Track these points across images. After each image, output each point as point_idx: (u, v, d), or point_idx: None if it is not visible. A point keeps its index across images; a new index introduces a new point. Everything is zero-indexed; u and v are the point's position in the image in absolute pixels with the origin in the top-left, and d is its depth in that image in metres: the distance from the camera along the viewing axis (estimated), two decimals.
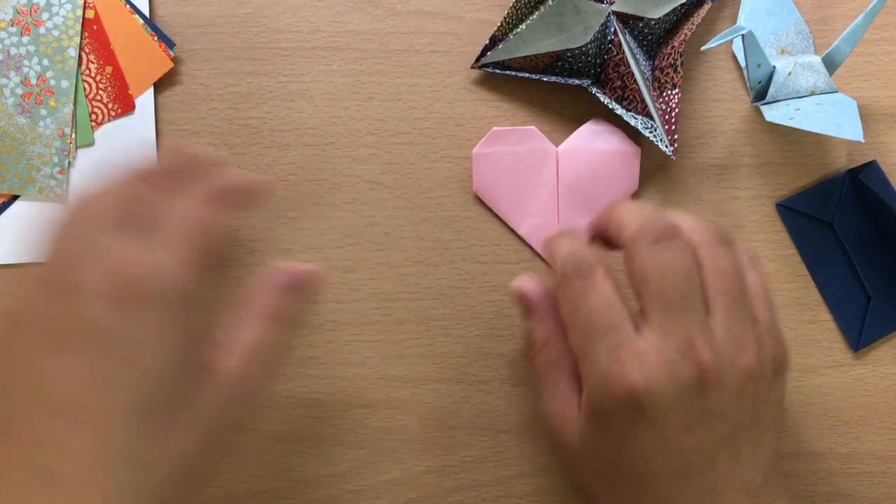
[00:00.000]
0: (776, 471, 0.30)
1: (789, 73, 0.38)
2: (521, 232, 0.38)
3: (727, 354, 0.28)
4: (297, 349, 0.37)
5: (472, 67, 0.39)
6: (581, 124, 0.39)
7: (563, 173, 0.38)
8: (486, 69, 0.38)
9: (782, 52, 0.39)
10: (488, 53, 0.38)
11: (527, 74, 0.38)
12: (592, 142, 0.38)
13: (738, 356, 0.28)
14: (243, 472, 0.37)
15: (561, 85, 0.39)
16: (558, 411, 0.32)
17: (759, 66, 0.37)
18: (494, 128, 0.38)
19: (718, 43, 0.35)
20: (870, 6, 0.37)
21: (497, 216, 0.38)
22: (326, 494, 0.37)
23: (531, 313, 0.33)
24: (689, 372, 0.27)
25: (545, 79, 0.38)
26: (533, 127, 0.38)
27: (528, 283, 0.33)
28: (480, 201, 0.38)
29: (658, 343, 0.27)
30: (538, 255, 0.38)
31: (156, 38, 0.37)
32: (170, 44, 0.37)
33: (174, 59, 0.37)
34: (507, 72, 0.38)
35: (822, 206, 0.39)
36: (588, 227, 0.34)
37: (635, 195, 0.39)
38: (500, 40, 0.38)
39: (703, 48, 0.35)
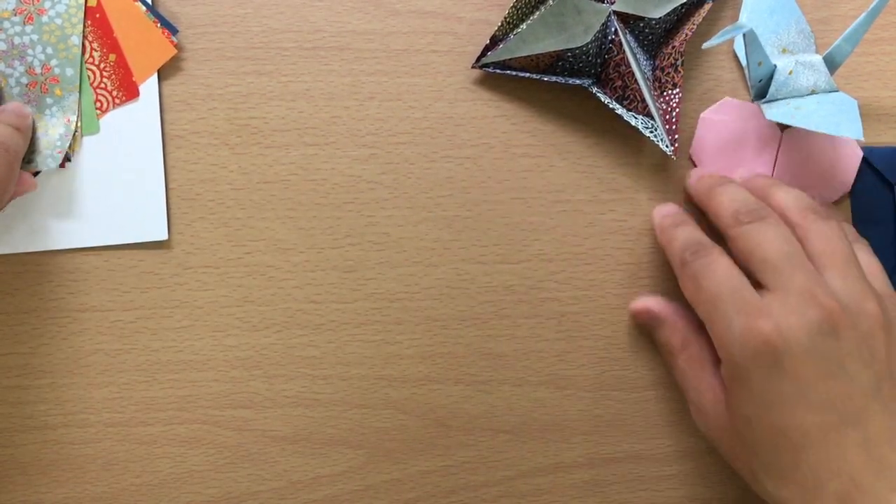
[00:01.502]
0: None
1: (790, 72, 0.38)
2: None
3: (850, 301, 0.29)
4: (297, 349, 0.37)
5: (472, 67, 0.38)
6: (581, 124, 0.39)
7: (781, 158, 0.39)
8: (486, 69, 0.38)
9: (783, 50, 0.39)
10: (488, 53, 0.38)
11: (527, 74, 0.38)
12: (817, 136, 0.39)
13: (861, 303, 0.29)
14: (243, 472, 0.37)
15: (561, 85, 0.39)
16: (708, 400, 0.33)
17: (759, 64, 0.37)
18: (727, 97, 0.39)
19: (719, 41, 0.35)
20: (871, 6, 0.36)
21: (501, 216, 0.38)
22: (326, 494, 0.37)
23: (661, 323, 0.36)
24: (817, 315, 0.29)
25: (545, 79, 0.38)
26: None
27: (646, 299, 0.37)
28: (481, 201, 0.38)
29: (781, 297, 0.29)
30: (541, 255, 0.38)
31: (158, 25, 0.37)
32: (172, 30, 0.37)
33: (177, 46, 0.37)
34: (508, 72, 0.38)
35: (892, 168, 0.39)
36: (688, 195, 0.37)
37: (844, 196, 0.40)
38: (501, 40, 0.38)
39: (704, 46, 0.35)
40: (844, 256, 0.31)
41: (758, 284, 0.31)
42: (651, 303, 0.36)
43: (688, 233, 0.34)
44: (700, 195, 0.36)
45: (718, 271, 0.31)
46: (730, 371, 0.31)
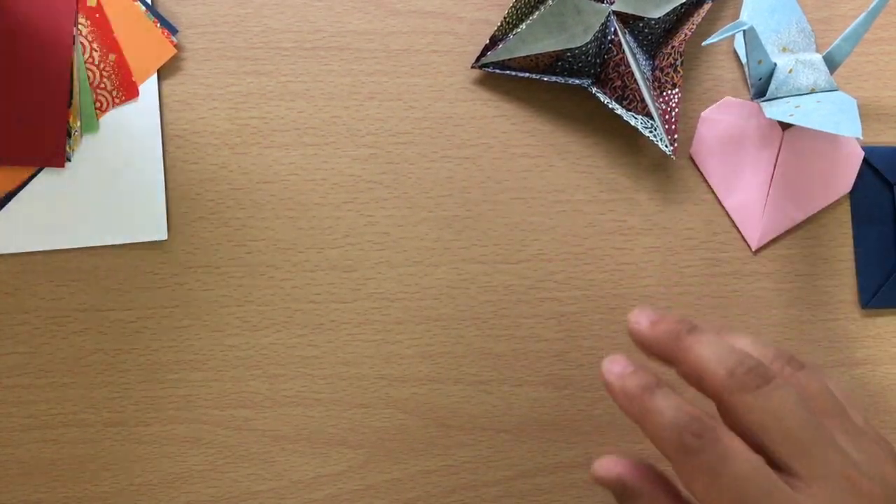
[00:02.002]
0: None
1: (790, 71, 0.38)
2: (726, 204, 0.39)
3: (877, 474, 0.26)
4: (297, 349, 0.37)
5: (472, 67, 0.39)
6: (581, 124, 0.39)
7: (782, 158, 0.39)
8: (486, 69, 0.38)
9: (784, 49, 0.39)
10: (488, 53, 0.38)
11: (527, 74, 0.38)
12: (818, 135, 0.39)
13: (883, 470, 0.26)
14: (243, 472, 0.37)
15: (561, 85, 0.39)
16: None
17: (760, 62, 0.37)
18: (728, 97, 0.39)
19: (720, 38, 0.35)
20: (871, 6, 0.36)
21: (501, 216, 0.38)
22: (326, 494, 0.37)
23: (636, 498, 0.28)
24: None
25: (545, 79, 0.38)
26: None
27: (613, 463, 0.29)
28: (481, 201, 0.38)
29: (819, 490, 0.25)
30: (541, 255, 0.38)
31: (158, 25, 0.37)
32: (172, 30, 0.37)
33: (177, 46, 0.37)
34: (507, 72, 0.38)
35: (892, 168, 0.40)
36: (645, 346, 0.30)
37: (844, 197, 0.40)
38: (500, 40, 0.38)
39: (704, 43, 0.35)
40: (840, 414, 0.27)
41: (771, 460, 0.26)
42: (622, 469, 0.29)
43: (674, 406, 0.27)
44: (663, 346, 0.29)
45: (742, 467, 0.25)
46: None
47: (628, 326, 0.30)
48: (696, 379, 0.28)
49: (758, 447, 0.26)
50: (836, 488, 0.25)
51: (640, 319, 0.30)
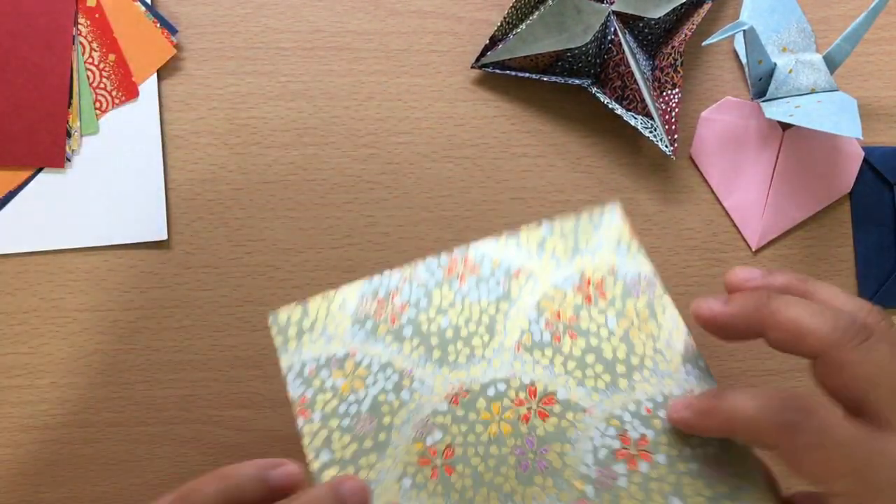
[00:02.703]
0: None
1: (790, 71, 0.38)
2: (726, 204, 0.39)
3: None
4: None
5: (472, 67, 0.38)
6: (581, 124, 0.39)
7: (782, 158, 0.39)
8: (486, 69, 0.38)
9: (784, 49, 0.39)
10: (488, 53, 0.38)
11: (527, 74, 0.38)
12: (818, 135, 0.39)
13: None
14: None
15: (561, 85, 0.39)
16: None
17: (760, 62, 0.37)
18: (728, 97, 0.39)
19: (720, 38, 0.35)
20: (871, 6, 0.36)
21: (501, 216, 0.38)
22: None
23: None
24: None
25: (545, 79, 0.38)
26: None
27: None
28: (481, 201, 0.38)
29: None
30: None
31: (158, 25, 0.37)
32: (172, 30, 0.37)
33: (177, 46, 0.37)
34: (507, 72, 0.38)
35: (892, 168, 0.40)
36: (724, 326, 0.29)
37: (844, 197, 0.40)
38: (500, 40, 0.38)
39: (704, 43, 0.35)
40: None
41: (856, 412, 0.26)
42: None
43: (760, 398, 0.27)
44: (747, 317, 0.28)
45: (840, 429, 0.26)
46: None
47: (697, 317, 0.29)
48: (793, 341, 0.27)
49: (858, 402, 0.26)
50: None
51: (709, 304, 0.29)
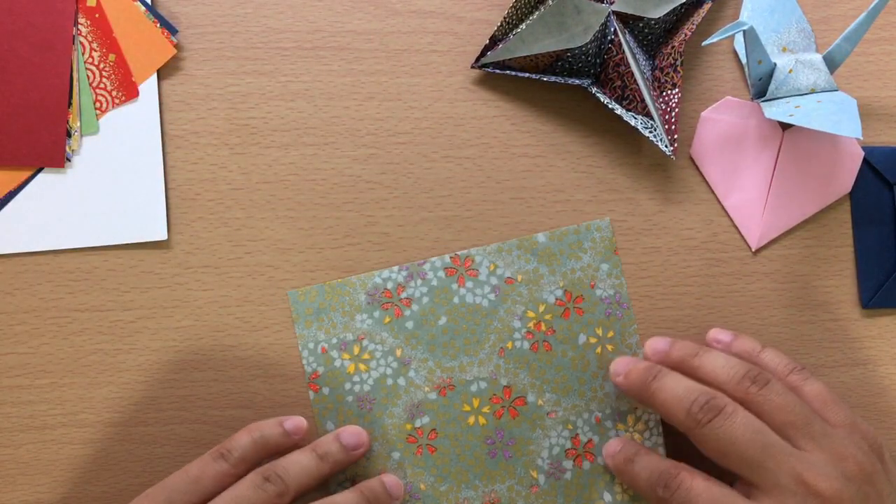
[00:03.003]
0: None
1: (790, 71, 0.38)
2: (726, 203, 0.39)
3: (835, 472, 0.29)
4: (297, 349, 0.37)
5: (472, 67, 0.38)
6: (581, 124, 0.39)
7: (782, 158, 0.39)
8: (486, 69, 0.38)
9: (784, 49, 0.39)
10: (488, 53, 0.38)
11: (527, 74, 0.38)
12: (818, 135, 0.39)
13: (844, 467, 0.30)
14: None
15: (561, 85, 0.39)
16: None
17: (759, 62, 0.37)
18: (728, 97, 0.39)
19: (720, 38, 0.35)
20: (871, 6, 0.36)
21: (501, 216, 0.38)
22: (326, 494, 0.37)
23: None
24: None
25: (545, 79, 0.38)
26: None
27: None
28: (481, 201, 0.38)
29: (780, 498, 0.29)
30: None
31: (158, 25, 0.37)
32: (172, 30, 0.37)
33: (177, 46, 0.37)
34: (507, 72, 0.38)
35: (892, 168, 0.40)
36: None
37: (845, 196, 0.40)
38: (500, 40, 0.38)
39: (704, 43, 0.35)
40: (804, 420, 0.31)
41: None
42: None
43: (687, 387, 0.33)
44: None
45: (747, 424, 0.31)
46: None
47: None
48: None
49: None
50: (789, 492, 0.29)
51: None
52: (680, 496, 0.31)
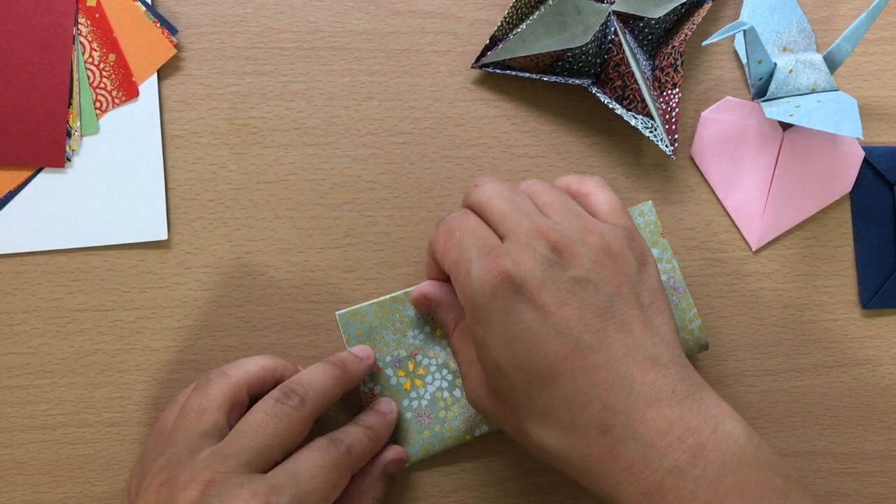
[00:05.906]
0: (690, 367, 0.30)
1: (790, 71, 0.38)
2: (726, 204, 0.39)
3: (573, 235, 0.30)
4: (297, 349, 0.37)
5: (472, 67, 0.38)
6: (581, 124, 0.39)
7: (782, 158, 0.39)
8: (486, 69, 0.38)
9: (784, 49, 0.39)
10: (488, 53, 0.38)
11: (527, 74, 0.38)
12: (818, 135, 0.39)
13: (584, 236, 0.31)
14: None
15: (561, 85, 0.39)
16: (475, 371, 0.33)
17: (760, 62, 0.37)
18: (728, 97, 0.39)
19: (720, 38, 0.35)
20: (871, 6, 0.36)
21: None
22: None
23: (437, 306, 0.36)
24: (544, 248, 0.30)
25: (545, 79, 0.38)
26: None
27: (422, 286, 0.36)
28: None
29: (513, 238, 0.30)
30: None
31: (158, 25, 0.37)
32: (172, 30, 0.37)
33: (177, 46, 0.37)
34: (507, 72, 0.38)
35: (892, 168, 0.40)
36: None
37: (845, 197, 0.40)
38: (500, 40, 0.38)
39: (704, 43, 0.35)
40: (562, 204, 0.32)
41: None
42: (426, 288, 0.36)
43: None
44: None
45: (468, 222, 0.32)
46: (473, 316, 0.30)
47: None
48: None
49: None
50: (522, 234, 0.30)
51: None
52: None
